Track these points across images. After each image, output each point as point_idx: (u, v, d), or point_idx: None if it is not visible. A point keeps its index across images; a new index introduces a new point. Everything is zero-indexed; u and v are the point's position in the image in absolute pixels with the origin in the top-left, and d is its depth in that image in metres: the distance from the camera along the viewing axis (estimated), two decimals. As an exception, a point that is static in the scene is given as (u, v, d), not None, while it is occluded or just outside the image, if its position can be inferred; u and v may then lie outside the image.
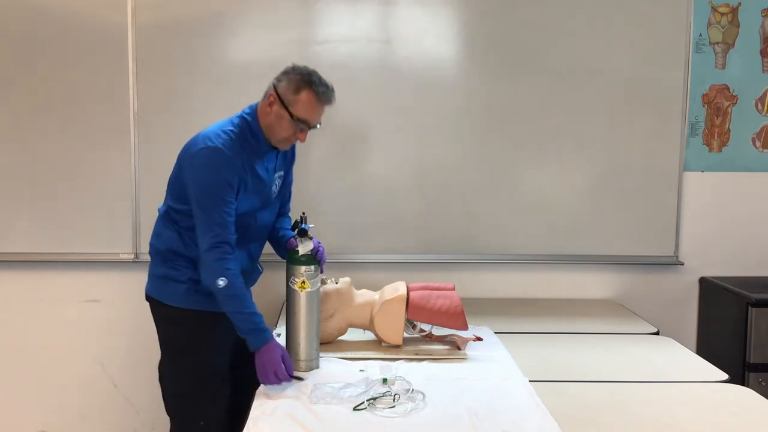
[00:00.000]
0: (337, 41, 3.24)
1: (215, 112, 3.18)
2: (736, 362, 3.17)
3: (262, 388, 2.18)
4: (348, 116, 3.22)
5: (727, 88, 3.42)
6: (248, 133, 2.35)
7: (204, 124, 3.17)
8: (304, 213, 2.39)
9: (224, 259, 2.23)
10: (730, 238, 3.48)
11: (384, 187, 3.32)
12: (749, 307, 3.14)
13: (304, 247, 2.32)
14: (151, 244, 2.45)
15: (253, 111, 2.39)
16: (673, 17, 3.32)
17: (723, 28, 3.39)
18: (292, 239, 2.36)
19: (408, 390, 2.11)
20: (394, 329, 2.50)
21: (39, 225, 3.26)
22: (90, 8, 3.18)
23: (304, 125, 2.34)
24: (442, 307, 2.51)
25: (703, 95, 3.42)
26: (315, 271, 2.34)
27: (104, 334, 3.37)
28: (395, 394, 2.07)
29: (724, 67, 3.41)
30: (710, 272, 3.49)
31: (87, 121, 3.22)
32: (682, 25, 3.32)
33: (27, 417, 3.41)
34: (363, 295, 2.58)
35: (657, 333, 2.96)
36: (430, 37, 3.28)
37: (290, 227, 2.52)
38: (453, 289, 2.62)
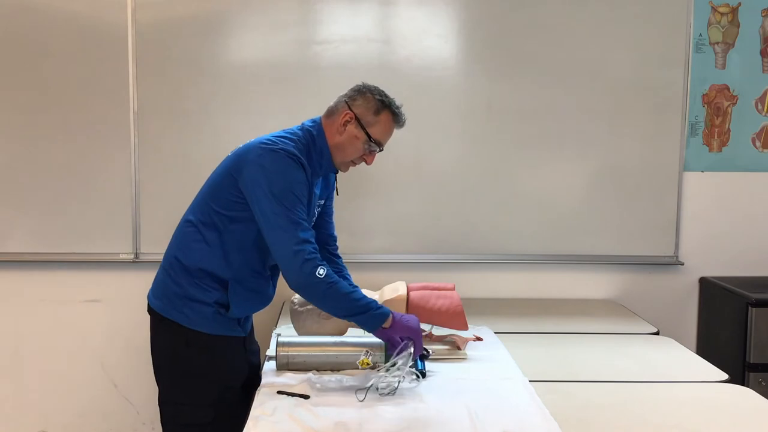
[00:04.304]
0: (337, 41, 3.24)
1: (215, 112, 3.23)
2: (736, 362, 3.17)
3: (262, 388, 2.18)
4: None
5: (727, 88, 3.42)
6: (312, 148, 2.20)
7: (204, 124, 3.22)
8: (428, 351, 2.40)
9: (315, 252, 2.08)
10: (730, 238, 3.48)
11: (384, 187, 3.32)
12: (749, 307, 3.14)
13: (401, 359, 2.16)
14: (173, 258, 2.20)
15: (318, 126, 2.23)
16: (673, 17, 3.32)
17: (723, 28, 3.39)
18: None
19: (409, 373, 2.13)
20: (394, 329, 2.49)
21: (39, 225, 3.26)
22: (90, 8, 3.18)
23: (376, 147, 2.24)
24: (442, 307, 2.51)
25: (703, 95, 3.42)
26: (378, 364, 2.25)
27: (104, 334, 3.37)
28: (398, 379, 2.09)
29: (724, 67, 3.41)
30: (710, 272, 3.49)
31: (87, 121, 3.22)
32: (682, 25, 3.32)
33: (27, 417, 3.41)
34: (363, 295, 2.57)
35: (657, 333, 2.95)
36: (430, 37, 3.28)
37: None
38: (453, 289, 2.62)
